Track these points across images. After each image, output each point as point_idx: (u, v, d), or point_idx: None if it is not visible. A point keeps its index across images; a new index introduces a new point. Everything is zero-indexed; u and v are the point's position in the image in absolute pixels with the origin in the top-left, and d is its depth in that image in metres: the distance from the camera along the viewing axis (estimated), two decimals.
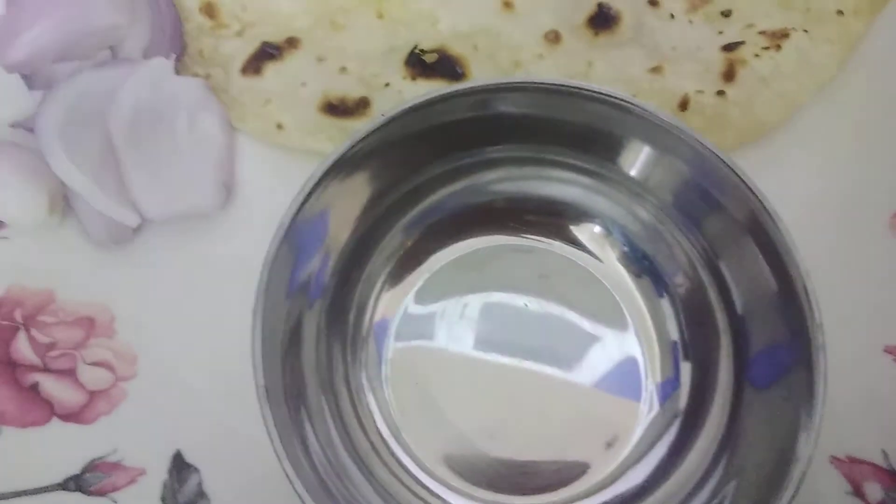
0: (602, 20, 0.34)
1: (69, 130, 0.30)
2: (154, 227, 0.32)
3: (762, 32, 0.35)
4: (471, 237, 0.31)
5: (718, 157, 0.26)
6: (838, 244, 0.33)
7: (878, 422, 0.30)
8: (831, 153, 0.34)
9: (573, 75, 0.34)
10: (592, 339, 0.30)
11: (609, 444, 0.28)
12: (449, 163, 0.29)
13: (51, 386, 0.30)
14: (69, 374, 0.30)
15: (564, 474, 0.28)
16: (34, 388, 0.30)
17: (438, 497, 0.28)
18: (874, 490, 0.30)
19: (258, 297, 0.24)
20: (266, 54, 0.34)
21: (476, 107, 0.27)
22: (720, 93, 0.34)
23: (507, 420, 0.29)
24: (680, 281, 0.29)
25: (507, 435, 0.29)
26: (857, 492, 0.30)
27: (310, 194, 0.25)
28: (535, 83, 0.27)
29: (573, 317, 0.30)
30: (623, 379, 0.29)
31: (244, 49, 0.34)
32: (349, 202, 0.28)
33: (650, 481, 0.27)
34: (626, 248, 0.30)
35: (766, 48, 0.34)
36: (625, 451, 0.28)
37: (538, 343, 0.30)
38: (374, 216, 0.29)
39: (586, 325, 0.30)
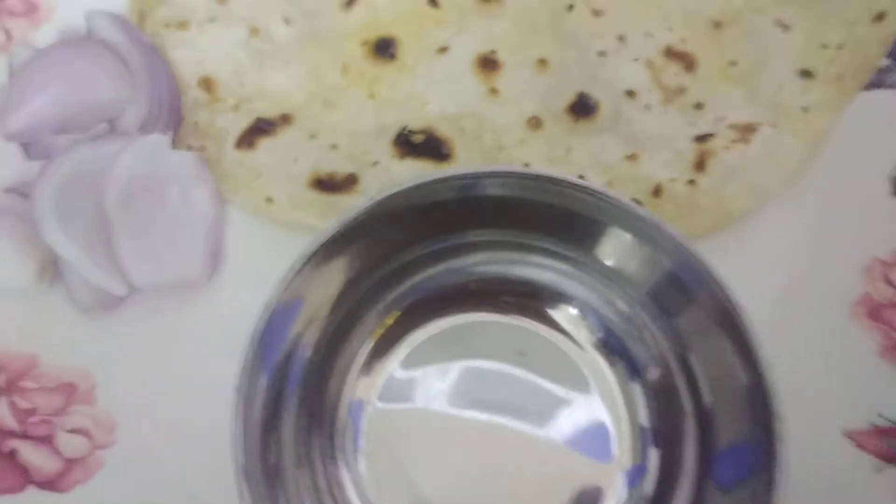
0: (582, 108, 0.36)
1: (63, 200, 0.31)
2: (141, 296, 0.33)
3: (732, 126, 0.36)
4: (449, 315, 0.31)
5: (686, 247, 0.27)
6: (801, 331, 0.34)
7: None
8: (796, 242, 0.36)
9: (553, 159, 0.36)
10: (568, 414, 0.31)
11: None
12: (430, 245, 0.30)
13: (28, 452, 0.30)
14: (47, 441, 0.30)
15: None
16: (12, 454, 0.30)
17: None
18: None
19: (242, 376, 0.25)
20: (260, 129, 0.35)
21: (459, 189, 0.29)
22: (691, 182, 0.35)
23: (479, 490, 0.30)
24: (651, 369, 0.30)
25: None
26: None
27: (293, 278, 0.26)
28: (516, 173, 0.29)
29: (549, 391, 0.31)
30: (596, 454, 0.30)
31: (239, 123, 0.35)
32: (328, 284, 0.29)
33: None
34: (601, 334, 0.31)
35: (735, 141, 0.36)
36: None
37: (514, 411, 0.31)
38: (354, 297, 0.30)
39: (562, 401, 0.31)
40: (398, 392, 0.31)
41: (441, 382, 0.31)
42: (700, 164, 0.36)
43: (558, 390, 0.31)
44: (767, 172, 0.36)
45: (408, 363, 0.31)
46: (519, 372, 0.31)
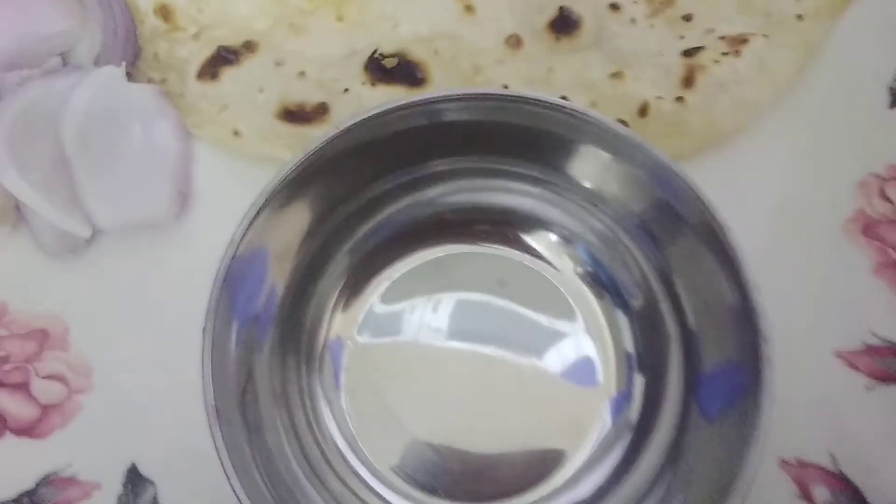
0: (563, 24, 0.34)
1: (18, 141, 0.30)
2: (109, 237, 0.32)
3: (722, 38, 0.35)
4: (424, 248, 0.31)
5: (670, 167, 0.26)
6: (794, 248, 0.33)
7: (827, 426, 0.31)
8: (788, 158, 0.34)
9: (534, 80, 0.34)
10: (551, 342, 0.30)
11: (570, 437, 0.29)
12: (396, 178, 0.29)
13: (3, 400, 0.30)
14: (22, 387, 0.30)
15: (520, 481, 0.29)
16: None
17: None
18: (822, 493, 0.30)
19: (208, 317, 0.24)
20: (223, 59, 0.33)
21: (428, 116, 0.27)
22: (679, 99, 0.34)
23: (465, 419, 0.30)
24: (634, 291, 0.29)
25: (465, 436, 0.29)
26: (806, 495, 0.30)
27: (254, 219, 0.25)
28: (492, 94, 0.27)
29: (532, 319, 0.30)
30: (581, 380, 0.30)
31: (200, 53, 0.34)
32: (292, 227, 0.28)
33: (601, 491, 0.27)
34: (582, 260, 0.31)
35: (726, 53, 0.34)
36: (582, 451, 0.29)
37: (498, 341, 0.30)
38: (322, 237, 0.29)
39: (545, 328, 0.30)
40: (379, 327, 0.30)
41: (423, 316, 0.30)
42: (688, 80, 0.34)
43: (541, 319, 0.30)
44: (759, 86, 0.34)
45: (387, 298, 0.31)
46: (501, 302, 0.31)
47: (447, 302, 0.31)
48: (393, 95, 0.33)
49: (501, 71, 0.34)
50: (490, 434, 0.30)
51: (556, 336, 0.30)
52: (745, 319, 0.25)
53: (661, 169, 0.26)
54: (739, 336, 0.25)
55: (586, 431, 0.29)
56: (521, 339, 0.30)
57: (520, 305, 0.31)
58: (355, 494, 0.28)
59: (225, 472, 0.23)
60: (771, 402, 0.24)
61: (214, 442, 0.23)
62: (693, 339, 0.27)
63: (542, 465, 0.29)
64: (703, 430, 0.26)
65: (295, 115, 0.33)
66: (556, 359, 0.30)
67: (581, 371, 0.30)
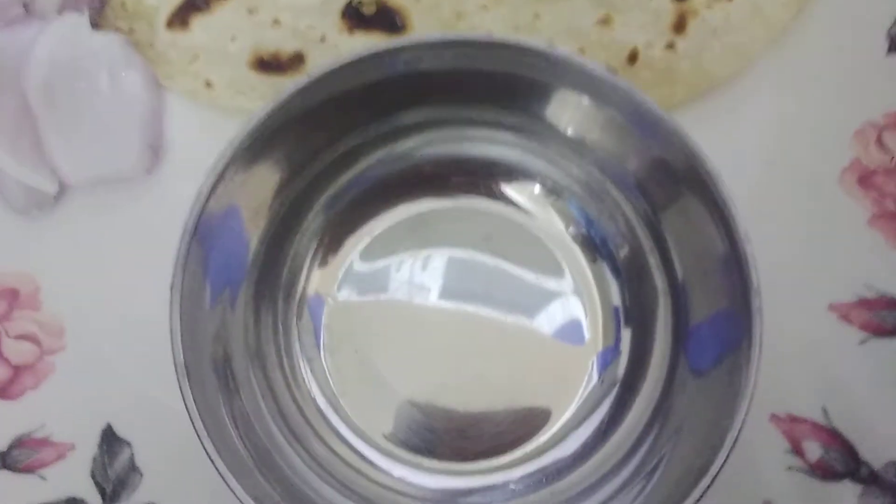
0: None
1: None
2: (78, 192, 0.31)
3: None
4: (403, 203, 0.30)
5: (658, 114, 0.25)
6: (787, 200, 0.32)
7: (819, 380, 0.30)
8: (782, 107, 0.33)
9: (519, 27, 0.33)
10: (536, 297, 0.29)
11: (555, 395, 0.28)
12: (368, 131, 0.28)
13: None
14: None
15: (505, 438, 0.28)
16: None
17: (376, 467, 0.28)
18: (813, 448, 0.30)
19: (176, 272, 0.23)
20: (193, 6, 0.32)
21: (403, 64, 0.26)
22: (670, 45, 0.32)
23: (449, 378, 0.29)
24: (620, 242, 0.29)
25: (448, 394, 0.29)
26: (797, 450, 0.30)
27: (227, 164, 0.23)
28: (473, 40, 0.26)
29: (517, 274, 0.29)
30: (567, 336, 0.29)
31: (170, 0, 0.32)
32: (262, 183, 0.27)
33: (587, 447, 0.27)
34: (566, 211, 0.30)
35: None
36: (566, 409, 0.28)
37: (481, 298, 0.29)
38: (294, 193, 0.28)
39: (530, 283, 0.29)
40: (360, 285, 0.29)
41: (405, 273, 0.30)
42: (679, 26, 0.33)
43: (527, 274, 0.30)
44: (752, 32, 0.33)
45: (368, 255, 0.30)
46: (486, 258, 0.30)
47: (430, 258, 0.30)
48: (371, 44, 0.32)
49: (485, 17, 0.33)
50: (475, 392, 0.29)
51: (542, 291, 0.29)
52: (735, 270, 0.24)
53: (647, 115, 0.25)
54: (729, 287, 0.24)
55: (573, 388, 0.28)
56: (506, 295, 0.29)
57: (505, 260, 0.30)
58: (336, 454, 0.27)
59: (196, 432, 0.22)
60: (760, 354, 0.23)
61: (185, 401, 0.22)
62: (681, 292, 0.26)
63: (528, 422, 0.28)
64: (691, 384, 0.25)
65: (269, 64, 0.31)
66: (542, 314, 0.29)
67: (567, 326, 0.29)
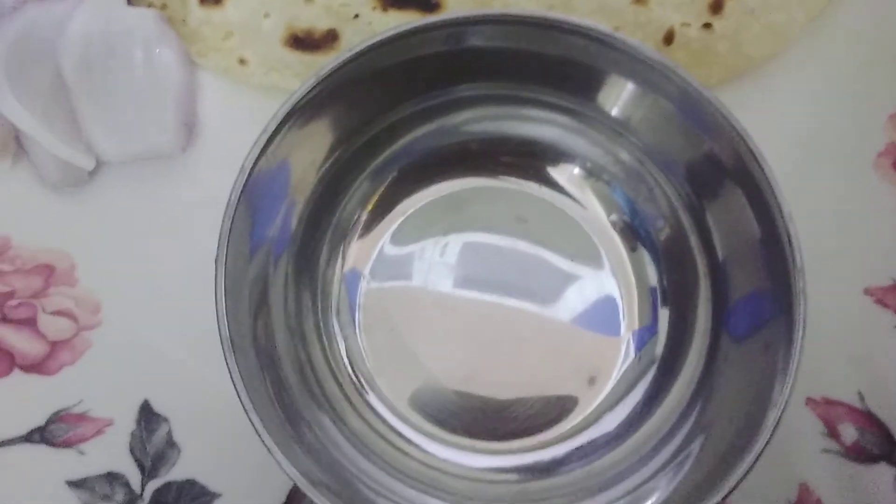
0: None
1: (16, 67, 0.28)
2: (113, 170, 0.31)
3: None
4: (444, 180, 0.29)
5: (702, 93, 0.25)
6: (823, 184, 0.32)
7: (855, 363, 0.30)
8: (819, 89, 0.33)
9: (554, 6, 0.32)
10: (571, 281, 0.29)
11: (587, 384, 0.28)
12: (418, 103, 0.28)
13: (10, 337, 0.29)
14: (29, 323, 0.29)
15: (538, 420, 0.28)
16: None
17: (413, 444, 0.28)
18: (849, 431, 0.30)
19: (221, 246, 0.23)
20: None
21: (448, 41, 0.26)
22: (707, 25, 0.32)
23: (482, 363, 0.29)
24: (660, 225, 0.28)
25: (482, 379, 0.29)
26: (832, 433, 0.30)
27: (271, 138, 0.23)
28: (513, 16, 0.26)
29: (551, 259, 0.29)
30: (601, 322, 0.29)
31: None
32: (313, 147, 0.27)
33: (623, 428, 0.27)
34: (607, 192, 0.29)
35: None
36: (600, 396, 0.28)
37: (515, 283, 0.29)
38: (342, 161, 0.28)
39: (565, 267, 0.29)
40: (394, 266, 0.29)
41: (437, 254, 0.29)
42: (716, 6, 0.32)
43: (561, 257, 0.29)
44: (790, 12, 0.32)
45: (404, 236, 0.29)
46: (520, 240, 0.30)
47: (464, 242, 0.29)
48: (405, 21, 0.31)
49: None
50: (509, 375, 0.29)
51: (577, 274, 0.29)
52: (776, 250, 0.24)
53: (692, 96, 0.25)
54: (770, 267, 0.24)
55: (609, 367, 0.28)
56: (540, 278, 0.29)
57: (539, 243, 0.29)
58: (374, 430, 0.27)
59: (242, 404, 0.22)
60: (803, 326, 0.23)
61: (231, 375, 0.22)
62: (722, 272, 0.26)
63: (562, 404, 0.28)
64: (732, 358, 0.25)
65: (303, 42, 0.31)
66: (577, 297, 0.29)
67: (603, 308, 0.29)
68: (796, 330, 0.23)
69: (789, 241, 0.24)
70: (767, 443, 0.23)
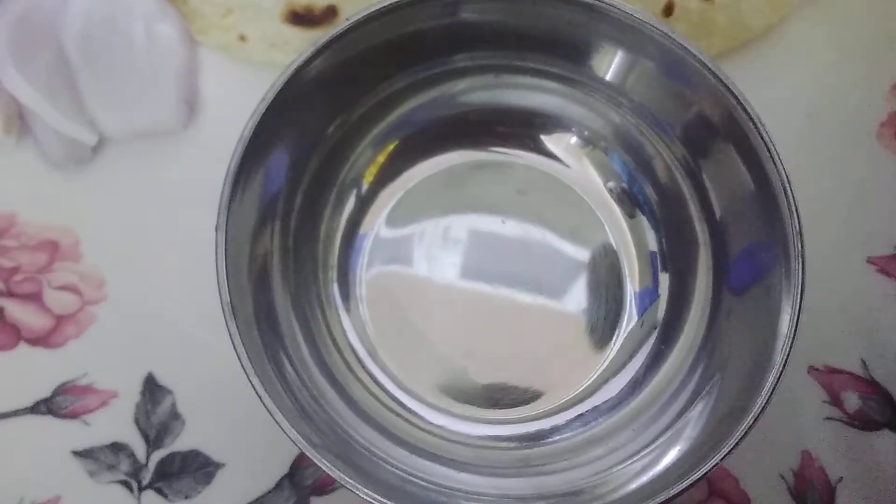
0: None
1: (20, 45, 0.28)
2: (116, 146, 0.31)
3: None
4: (444, 153, 0.29)
5: (699, 58, 0.25)
6: (825, 154, 0.32)
7: (858, 332, 0.30)
8: (820, 61, 0.33)
9: None
10: (572, 252, 0.29)
11: (590, 352, 0.28)
12: (417, 73, 0.28)
13: (16, 311, 0.29)
14: (35, 298, 0.30)
15: (540, 389, 0.28)
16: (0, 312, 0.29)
17: (415, 413, 0.28)
18: (851, 399, 0.30)
19: (221, 213, 0.23)
20: None
21: (444, 11, 0.26)
22: None
23: (483, 336, 0.29)
24: (658, 190, 0.28)
25: (483, 352, 0.29)
26: (835, 401, 0.30)
27: (270, 107, 0.24)
28: None
29: (552, 230, 0.29)
30: (603, 290, 0.29)
31: None
32: (312, 117, 0.27)
33: (625, 393, 0.27)
34: (602, 159, 0.29)
35: None
36: (603, 364, 0.28)
37: (516, 256, 0.29)
38: (342, 130, 0.28)
39: (565, 238, 0.29)
40: (394, 252, 0.29)
41: (439, 232, 0.29)
42: None
43: (561, 228, 0.29)
44: None
45: (402, 215, 0.29)
46: (520, 214, 0.29)
47: (464, 218, 0.29)
48: None
49: None
50: (511, 347, 0.29)
51: (578, 244, 0.29)
52: (775, 210, 0.24)
53: (686, 61, 0.25)
54: (769, 225, 0.24)
55: (611, 338, 0.28)
56: (541, 250, 0.29)
57: (539, 214, 0.30)
58: (377, 399, 0.27)
59: (244, 369, 0.22)
60: (800, 286, 0.23)
61: (232, 339, 0.22)
62: (721, 232, 0.26)
63: (562, 374, 0.28)
64: (734, 313, 0.25)
65: (303, 17, 0.31)
66: (579, 268, 0.29)
67: (605, 277, 0.29)
68: (794, 291, 0.23)
69: (787, 200, 0.24)
70: (766, 403, 0.23)
